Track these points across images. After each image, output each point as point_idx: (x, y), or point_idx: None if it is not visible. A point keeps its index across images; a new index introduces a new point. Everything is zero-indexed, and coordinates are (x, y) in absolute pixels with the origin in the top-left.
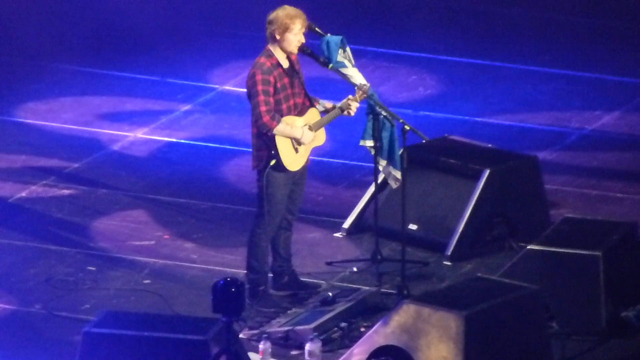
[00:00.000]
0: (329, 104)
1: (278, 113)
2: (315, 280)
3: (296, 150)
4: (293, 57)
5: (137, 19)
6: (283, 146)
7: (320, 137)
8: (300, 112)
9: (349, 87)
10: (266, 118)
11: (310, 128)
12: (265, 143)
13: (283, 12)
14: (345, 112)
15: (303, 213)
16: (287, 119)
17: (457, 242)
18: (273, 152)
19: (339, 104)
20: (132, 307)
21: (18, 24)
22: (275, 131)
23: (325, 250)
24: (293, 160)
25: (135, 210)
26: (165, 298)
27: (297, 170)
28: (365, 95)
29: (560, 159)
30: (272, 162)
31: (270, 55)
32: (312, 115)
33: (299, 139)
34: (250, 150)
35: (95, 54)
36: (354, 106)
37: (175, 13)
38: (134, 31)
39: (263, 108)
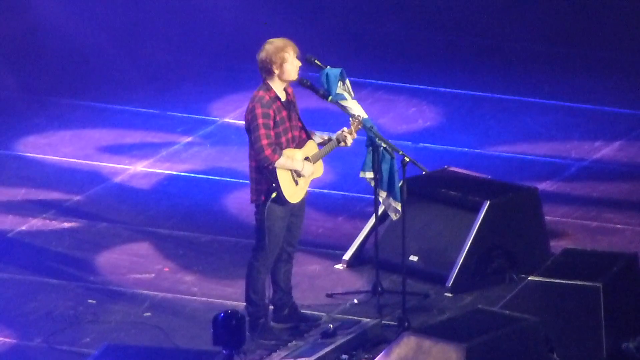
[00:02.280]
0: (324, 136)
1: (278, 146)
2: (315, 313)
3: (296, 182)
4: (289, 90)
5: (136, 52)
6: (284, 179)
7: (318, 169)
8: (298, 145)
9: (349, 119)
10: (268, 151)
11: (309, 160)
12: (265, 177)
13: (272, 47)
14: (342, 144)
15: (303, 245)
16: (287, 152)
17: (458, 273)
18: (274, 184)
19: (334, 136)
20: (132, 341)
21: (18, 58)
22: (276, 164)
23: (325, 282)
24: (293, 192)
25: (136, 244)
26: (166, 331)
27: (296, 203)
28: (360, 126)
29: (560, 190)
30: (273, 195)
31: (269, 89)
32: (310, 147)
33: (299, 171)
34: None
35: (95, 87)
36: (350, 137)
37: (175, 46)
38: (133, 65)
39: (264, 142)
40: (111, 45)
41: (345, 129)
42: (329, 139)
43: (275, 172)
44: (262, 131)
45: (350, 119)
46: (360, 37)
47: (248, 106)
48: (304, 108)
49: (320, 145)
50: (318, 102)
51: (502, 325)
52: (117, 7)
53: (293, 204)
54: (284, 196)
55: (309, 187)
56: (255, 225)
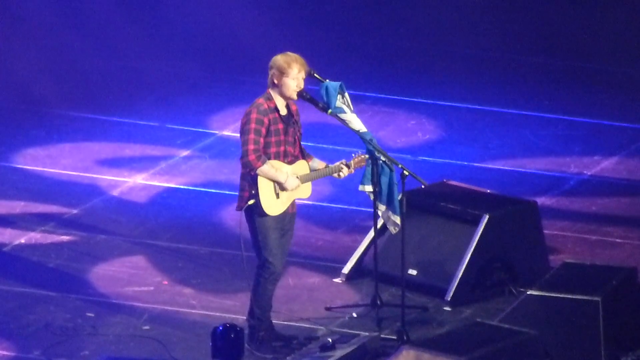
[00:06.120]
0: (321, 164)
1: (265, 155)
2: (314, 326)
3: (277, 195)
4: (293, 107)
5: (136, 64)
6: (264, 188)
7: (305, 190)
8: (291, 162)
9: (348, 132)
10: (252, 157)
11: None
12: (248, 183)
13: (282, 58)
14: (336, 175)
15: (302, 258)
16: (274, 163)
17: (457, 287)
18: (253, 192)
19: (331, 165)
20: (131, 353)
21: (18, 70)
22: (258, 171)
23: (324, 295)
24: (272, 204)
25: (134, 256)
26: (164, 344)
27: (285, 219)
28: (362, 164)
29: (559, 204)
30: (250, 202)
31: (269, 99)
32: (301, 166)
33: (282, 183)
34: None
35: (94, 100)
36: (346, 170)
37: (174, 59)
38: (132, 77)
39: (251, 147)
40: (110, 57)
41: (344, 160)
42: (326, 167)
43: (257, 179)
44: (252, 136)
45: (354, 154)
46: (360, 50)
47: (246, 110)
48: (304, 121)
49: (314, 170)
50: (318, 115)
51: (501, 339)
52: (116, 20)
53: (281, 217)
54: (261, 206)
55: (305, 200)
56: (251, 241)
